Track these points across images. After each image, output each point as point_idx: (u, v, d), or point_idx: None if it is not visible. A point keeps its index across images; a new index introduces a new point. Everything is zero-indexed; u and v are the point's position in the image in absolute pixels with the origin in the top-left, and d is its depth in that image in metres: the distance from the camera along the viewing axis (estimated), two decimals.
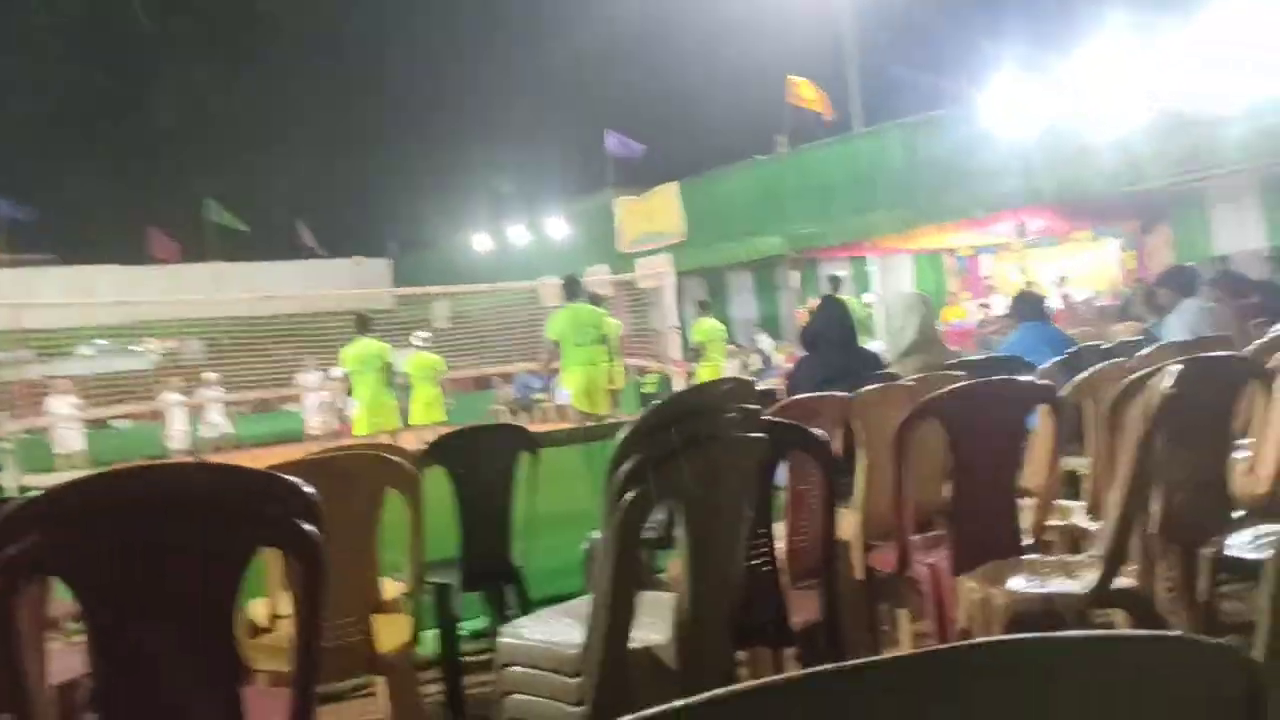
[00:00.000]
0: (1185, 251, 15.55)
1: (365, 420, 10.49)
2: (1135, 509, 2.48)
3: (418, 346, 12.43)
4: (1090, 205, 15.31)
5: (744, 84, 20.87)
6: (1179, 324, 5.42)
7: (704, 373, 11.71)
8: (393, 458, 2.68)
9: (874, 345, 11.05)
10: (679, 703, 0.55)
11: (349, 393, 10.87)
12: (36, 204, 24.02)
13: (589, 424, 8.88)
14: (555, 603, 4.50)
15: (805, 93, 18.18)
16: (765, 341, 18.90)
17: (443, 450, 3.56)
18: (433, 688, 3.70)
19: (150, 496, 1.75)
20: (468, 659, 4.02)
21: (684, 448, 2.12)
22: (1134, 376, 2.91)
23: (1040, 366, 4.85)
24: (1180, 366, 2.51)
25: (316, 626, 1.93)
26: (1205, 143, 12.42)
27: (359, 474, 2.63)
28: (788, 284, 18.25)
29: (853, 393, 3.99)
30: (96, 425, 16.79)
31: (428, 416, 11.82)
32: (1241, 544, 2.80)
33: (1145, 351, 4.65)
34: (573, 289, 9.69)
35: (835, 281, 12.45)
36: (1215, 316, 5.48)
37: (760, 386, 13.23)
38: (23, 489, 5.38)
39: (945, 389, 2.92)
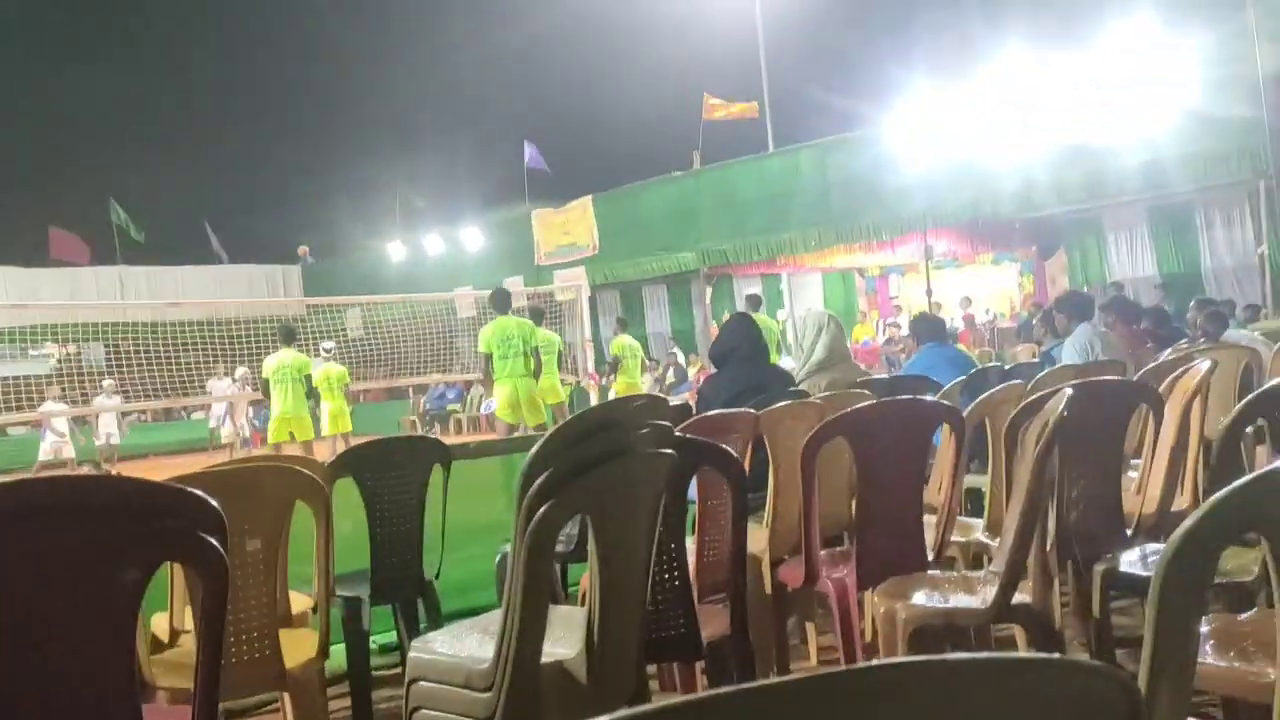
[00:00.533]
0: (1081, 277, 16.14)
1: (280, 429, 10.52)
2: (1031, 527, 2.57)
3: (324, 357, 12.34)
4: (991, 230, 15.81)
5: (661, 100, 21.09)
6: (1074, 347, 5.62)
7: (620, 387, 11.79)
8: (301, 470, 2.65)
9: (785, 362, 11.25)
10: None
11: (267, 401, 10.80)
12: None
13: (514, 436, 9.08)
14: (468, 616, 4.51)
15: (722, 110, 18.43)
16: (679, 356, 19.04)
17: (354, 461, 3.52)
18: (341, 703, 3.64)
19: (53, 506, 1.71)
20: (378, 673, 3.98)
21: (596, 462, 2.14)
22: (1030, 399, 3.02)
23: (944, 386, 5.00)
24: (1072, 390, 2.61)
25: (219, 642, 1.89)
26: (1100, 173, 12.93)
27: (266, 487, 2.59)
28: (702, 299, 18.44)
29: (763, 407, 4.07)
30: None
31: (335, 427, 11.77)
32: (1132, 560, 2.92)
33: (1042, 374, 4.82)
34: (501, 302, 9.78)
35: (755, 300, 12.62)
36: (1108, 341, 5.70)
37: (674, 400, 13.36)
38: None
39: (851, 407, 2.99)
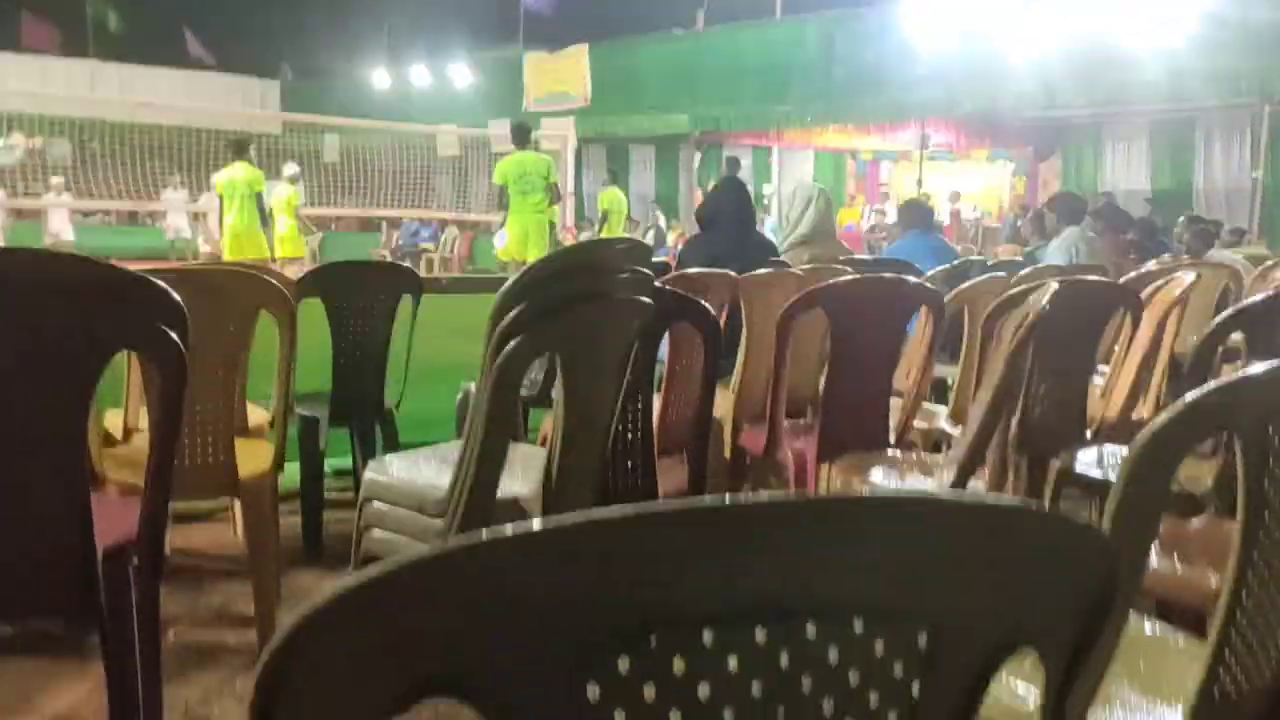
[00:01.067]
0: (1074, 183, 16.04)
1: (231, 247, 10.22)
2: (996, 417, 2.57)
3: (286, 179, 11.98)
4: (990, 126, 15.58)
5: None
6: (1060, 249, 5.59)
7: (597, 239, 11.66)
8: (269, 279, 2.58)
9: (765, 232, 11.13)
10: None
11: (219, 217, 10.49)
12: None
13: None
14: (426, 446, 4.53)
15: None
16: (661, 219, 18.85)
17: (322, 280, 3.46)
18: (292, 519, 3.66)
19: (17, 279, 1.64)
20: (331, 494, 4.00)
21: (570, 301, 2.09)
22: (1013, 291, 3.00)
23: (925, 272, 4.96)
24: (1057, 285, 2.58)
25: (174, 437, 1.86)
26: (1109, 79, 12.71)
27: (232, 290, 2.53)
28: (689, 165, 18.17)
29: (742, 274, 4.02)
30: None
31: (284, 250, 11.44)
32: (1087, 462, 2.94)
33: (1025, 271, 4.80)
34: (520, 136, 9.59)
35: (734, 163, 12.39)
36: (1093, 246, 5.67)
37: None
38: None
39: (834, 280, 2.95)
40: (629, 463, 2.54)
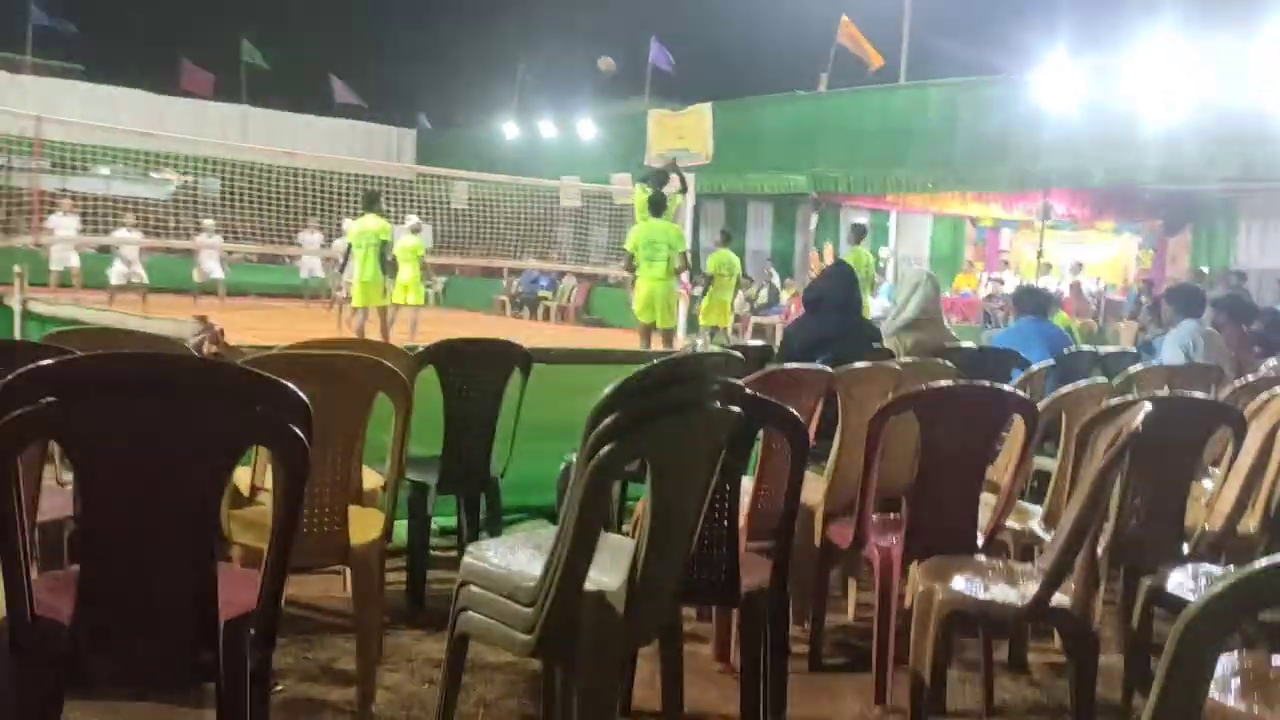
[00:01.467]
0: (1205, 259, 15.55)
1: (361, 293, 10.92)
2: (1083, 535, 2.58)
3: (410, 228, 12.63)
4: (1117, 198, 15.24)
5: (797, 15, 20.45)
6: (1175, 343, 5.49)
7: (708, 304, 11.81)
8: (387, 363, 2.78)
9: (875, 302, 11.10)
10: None
11: (347, 263, 11.17)
12: (71, 16, 23.73)
13: (650, 333, 9.85)
14: (526, 511, 4.69)
15: (855, 37, 17.88)
16: (775, 277, 18.91)
17: (440, 354, 3.66)
18: (399, 575, 3.86)
19: (160, 381, 1.85)
20: (436, 553, 4.19)
21: (663, 411, 2.22)
22: (1107, 405, 3.00)
23: (1032, 363, 4.95)
24: (1151, 407, 2.60)
25: (295, 520, 2.04)
26: (1245, 155, 12.34)
27: (354, 376, 2.73)
28: (806, 224, 18.21)
29: (843, 359, 4.09)
30: (99, 250, 16.92)
31: (403, 297, 12.08)
32: (1180, 582, 2.92)
33: (1134, 369, 4.74)
34: (657, 207, 10.04)
35: (860, 230, 12.43)
36: (1212, 342, 5.54)
37: (764, 320, 13.34)
38: (26, 310, 5.48)
39: (926, 385, 3.01)
40: (714, 557, 2.63)
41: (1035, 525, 3.59)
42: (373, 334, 10.65)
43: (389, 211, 12.31)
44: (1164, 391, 4.80)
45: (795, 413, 2.55)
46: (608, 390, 2.20)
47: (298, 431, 1.92)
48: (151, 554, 1.88)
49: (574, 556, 2.16)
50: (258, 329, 12.16)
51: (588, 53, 24.74)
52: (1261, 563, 1.36)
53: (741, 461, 2.68)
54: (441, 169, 18.91)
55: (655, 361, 2.24)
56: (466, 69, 27.66)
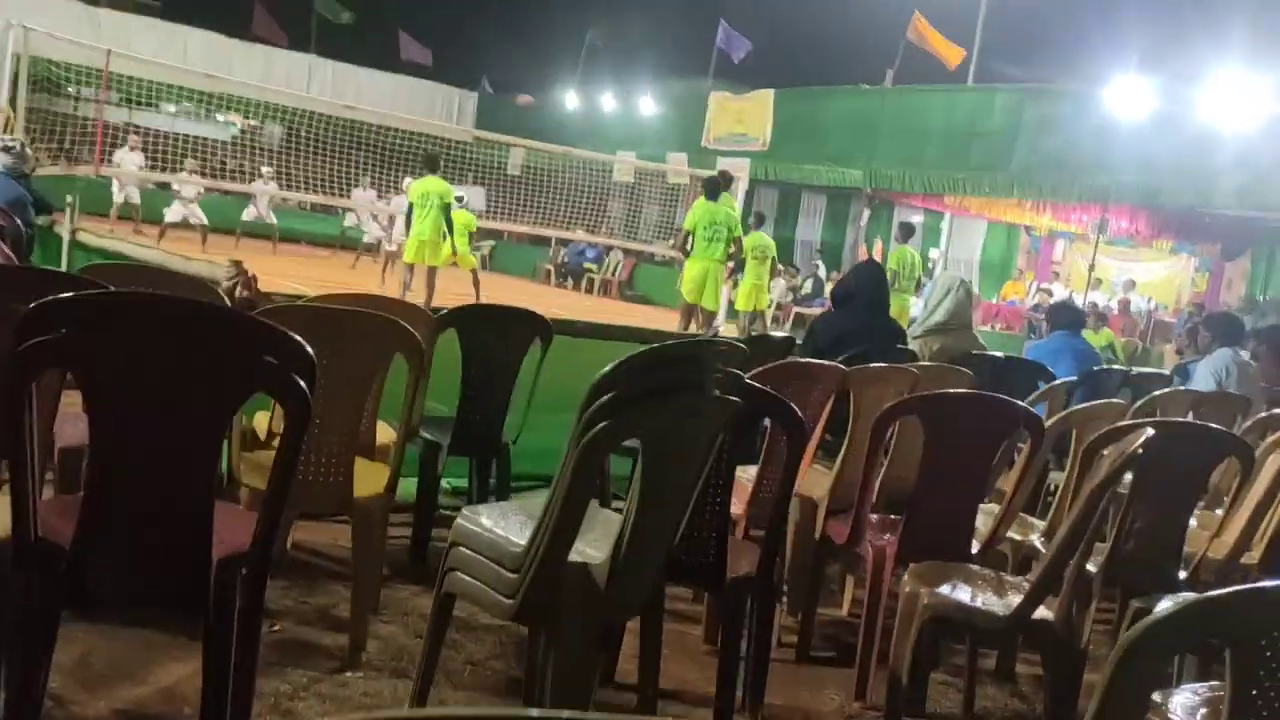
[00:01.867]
0: (1260, 287, 15.25)
1: (414, 249, 11.11)
2: (1070, 552, 2.60)
3: (456, 204, 12.82)
4: (1178, 218, 14.97)
5: (870, 7, 20.21)
6: (1207, 371, 5.43)
7: (745, 288, 11.81)
8: (405, 325, 2.84)
9: (916, 304, 11.02)
10: None
11: (407, 223, 11.34)
12: None
13: (692, 313, 9.88)
14: (537, 479, 4.76)
15: (929, 34, 17.66)
16: (821, 269, 18.83)
17: (460, 319, 3.73)
18: (406, 530, 3.95)
19: (172, 324, 1.93)
20: (446, 512, 4.28)
21: (661, 393, 2.26)
22: (1114, 425, 3.00)
23: (1058, 378, 4.93)
24: (1152, 431, 2.60)
25: (292, 469, 2.12)
26: None
27: (370, 333, 2.80)
28: (858, 219, 18.09)
29: (867, 357, 4.12)
30: (160, 186, 17.23)
31: (465, 264, 12.39)
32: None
33: (1160, 392, 4.71)
34: (713, 189, 10.17)
35: (908, 229, 12.34)
36: (1245, 372, 5.47)
37: (806, 311, 13.25)
38: (74, 240, 5.63)
39: (935, 391, 3.03)
40: (703, 539, 2.68)
41: (1036, 538, 3.60)
42: (417, 293, 10.94)
43: (446, 176, 12.48)
44: (1188, 416, 4.78)
45: (794, 408, 2.59)
46: (607, 368, 2.25)
47: (301, 383, 1.99)
48: (152, 487, 1.97)
49: (560, 527, 2.22)
50: (300, 275, 12.36)
51: (656, 29, 24.69)
52: (1213, 593, 1.39)
53: (741, 450, 2.71)
54: (498, 135, 19.00)
55: (658, 345, 2.29)
56: (533, 36, 27.67)
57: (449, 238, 11.23)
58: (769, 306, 13.72)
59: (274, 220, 17.16)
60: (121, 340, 1.85)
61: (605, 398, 2.18)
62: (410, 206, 11.24)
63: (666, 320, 10.95)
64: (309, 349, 2.00)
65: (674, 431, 2.29)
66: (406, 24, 26.65)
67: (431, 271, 11.23)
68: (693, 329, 9.77)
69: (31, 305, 1.81)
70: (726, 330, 11.10)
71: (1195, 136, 12.67)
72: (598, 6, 26.66)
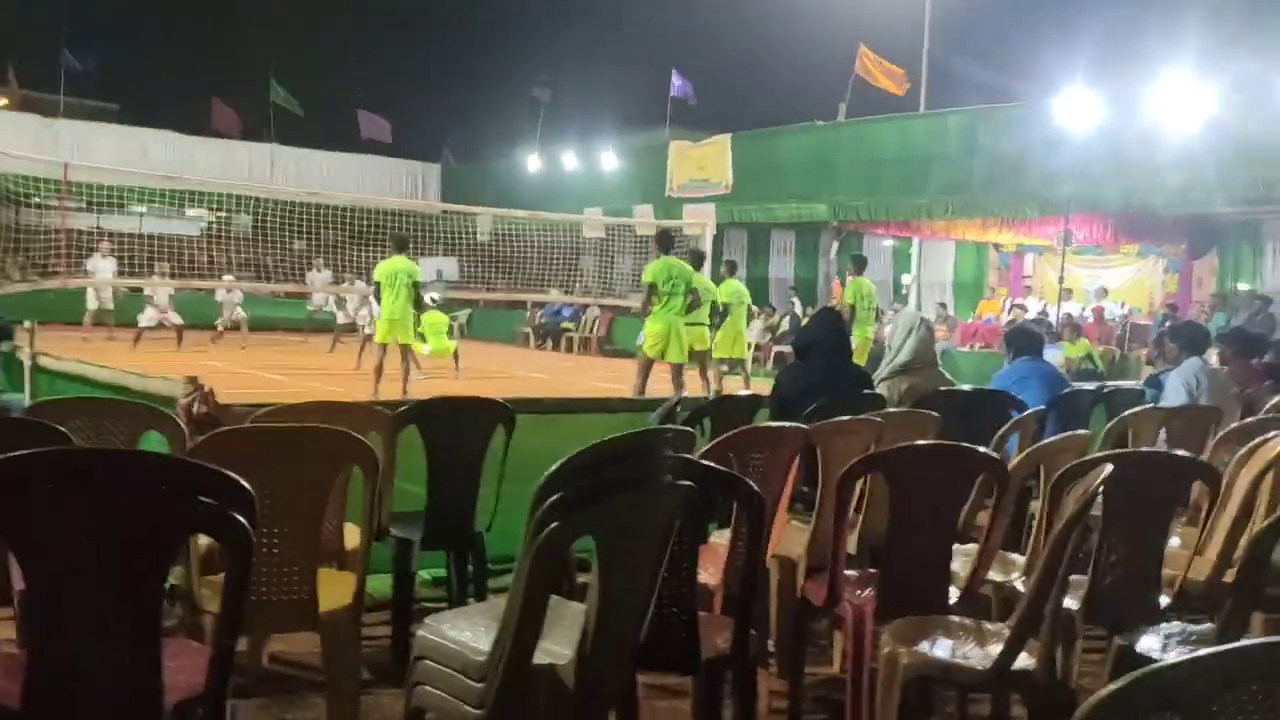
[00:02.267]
0: (1230, 281, 15.37)
1: (385, 329, 11.09)
2: (1044, 597, 2.58)
3: (429, 304, 13.04)
4: (1141, 222, 15.12)
5: (815, 46, 20.55)
6: (1178, 383, 5.44)
7: (724, 335, 11.83)
8: (358, 438, 2.82)
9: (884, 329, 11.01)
10: None
11: (378, 300, 11.42)
12: (104, 58, 24.29)
13: (650, 368, 9.85)
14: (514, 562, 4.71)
15: (875, 68, 17.92)
16: (797, 305, 18.91)
17: (421, 415, 3.71)
18: (384, 630, 3.90)
19: (100, 477, 1.90)
20: (428, 604, 4.23)
21: (611, 489, 2.24)
22: (1075, 462, 2.99)
23: (1028, 405, 4.92)
24: (1110, 468, 2.59)
25: (240, 602, 2.08)
26: (1271, 178, 12.22)
27: (324, 450, 2.78)
28: (828, 252, 18.21)
29: (834, 406, 4.11)
30: (131, 290, 17.24)
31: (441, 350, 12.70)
32: (1153, 641, 2.89)
33: (1129, 413, 4.72)
34: (666, 242, 10.30)
35: (861, 261, 12.44)
36: (1215, 380, 5.49)
37: (785, 349, 13.27)
38: (36, 365, 5.61)
39: (894, 446, 3.01)
40: (672, 622, 2.65)
41: (1017, 578, 3.57)
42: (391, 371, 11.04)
43: (416, 250, 12.69)
44: (1159, 435, 4.78)
45: (750, 484, 2.57)
46: (553, 467, 2.24)
47: (240, 518, 1.97)
48: (94, 642, 1.93)
49: (521, 632, 2.19)
50: (278, 365, 12.28)
51: (609, 85, 24.98)
52: (1166, 662, 1.37)
53: (700, 528, 2.69)
54: (464, 207, 19.14)
55: (604, 439, 2.28)
56: (489, 105, 28.01)
57: (418, 314, 11.31)
58: (749, 348, 13.77)
59: (242, 315, 17.14)
60: (47, 500, 1.83)
61: (553, 498, 2.16)
62: (378, 286, 11.28)
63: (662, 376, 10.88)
64: (245, 485, 1.98)
65: (627, 525, 2.27)
66: (363, 102, 26.92)
67: (404, 350, 11.24)
68: (655, 383, 9.81)
69: None
70: (707, 377, 11.11)
71: (1140, 140, 12.87)
72: (549, 67, 26.99)
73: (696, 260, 11.21)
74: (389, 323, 11.10)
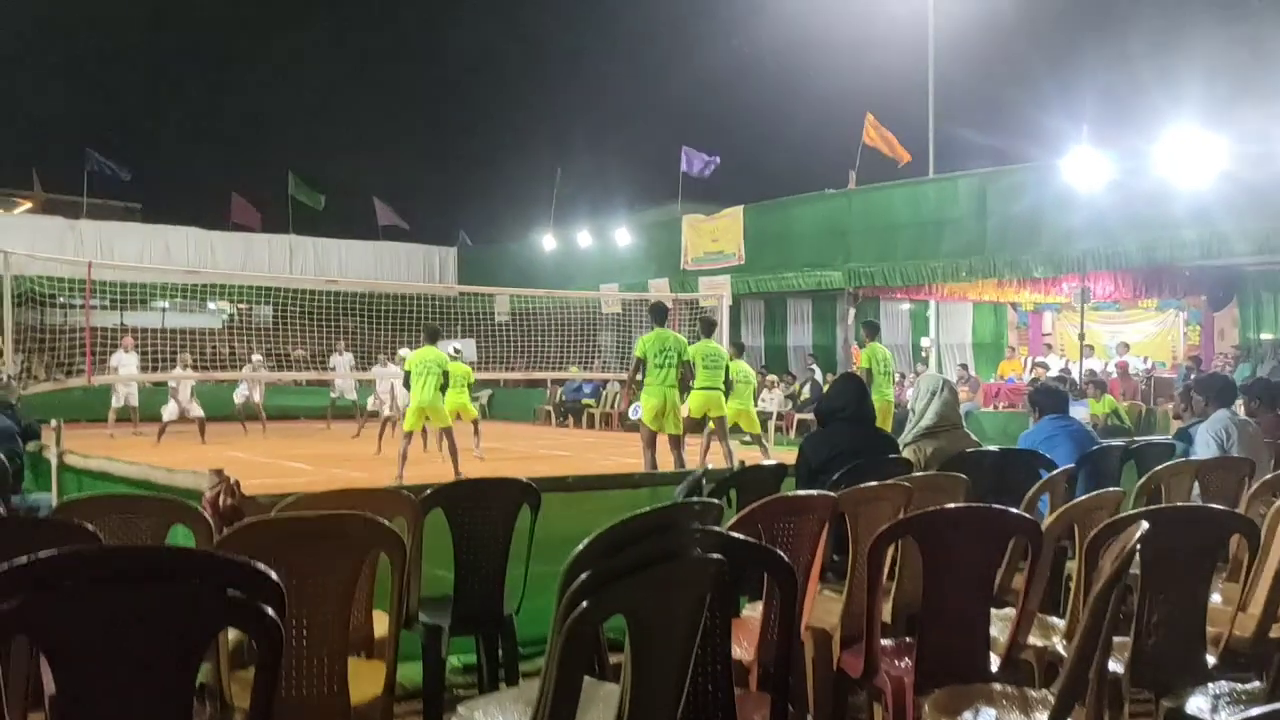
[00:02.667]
0: (1252, 331, 15.26)
1: (415, 417, 11.23)
2: (1088, 661, 2.51)
3: (452, 356, 13.09)
4: (1159, 275, 15.10)
5: (823, 116, 20.87)
6: (1208, 436, 5.38)
7: (731, 411, 11.78)
8: (384, 523, 2.81)
9: (909, 394, 10.99)
10: None
11: (407, 387, 11.57)
12: (128, 162, 24.89)
13: (655, 440, 9.85)
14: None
15: (880, 137, 18.13)
16: (818, 372, 18.89)
17: (444, 498, 3.69)
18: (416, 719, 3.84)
19: (128, 574, 1.90)
20: (460, 691, 4.17)
21: (640, 565, 2.22)
22: (1110, 520, 2.95)
23: (1057, 463, 4.87)
24: (1146, 525, 2.55)
25: (271, 695, 2.06)
26: None
27: (350, 537, 2.76)
28: (845, 317, 18.24)
29: (860, 471, 4.08)
30: (155, 384, 17.40)
31: (464, 415, 12.84)
32: (1203, 702, 2.82)
33: (1161, 467, 4.66)
34: (660, 315, 10.34)
35: (873, 327, 12.46)
36: (1245, 431, 5.42)
37: (806, 417, 13.21)
38: (62, 463, 5.64)
39: (925, 510, 2.98)
40: (708, 701, 2.60)
41: (1058, 642, 3.50)
42: (425, 454, 11.09)
43: (438, 329, 12.87)
44: (1193, 489, 4.71)
45: (780, 555, 2.54)
46: (581, 545, 2.22)
47: (269, 611, 1.95)
48: None
49: (556, 716, 2.15)
50: (301, 454, 12.26)
51: (621, 163, 25.33)
52: None
53: (731, 601, 2.65)
54: (481, 288, 19.34)
55: (630, 515, 2.26)
56: (503, 187, 28.51)
57: (444, 395, 11.42)
58: (771, 419, 13.72)
59: (261, 400, 17.31)
60: (76, 600, 1.82)
61: (582, 577, 2.13)
62: (407, 375, 11.40)
63: (664, 445, 10.84)
64: (273, 576, 1.97)
65: (658, 601, 2.23)
66: (379, 191, 27.39)
67: (445, 432, 11.40)
68: (663, 453, 9.79)
69: None
70: (728, 445, 11.05)
71: (1153, 194, 12.88)
72: (564, 153, 27.43)
73: (707, 328, 11.30)
74: (418, 411, 11.21)
